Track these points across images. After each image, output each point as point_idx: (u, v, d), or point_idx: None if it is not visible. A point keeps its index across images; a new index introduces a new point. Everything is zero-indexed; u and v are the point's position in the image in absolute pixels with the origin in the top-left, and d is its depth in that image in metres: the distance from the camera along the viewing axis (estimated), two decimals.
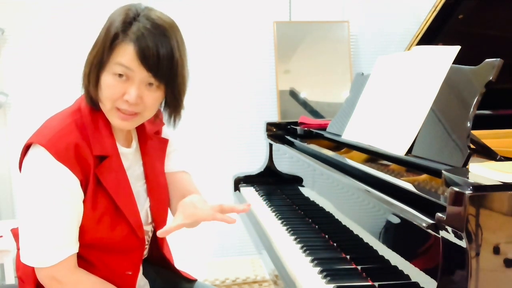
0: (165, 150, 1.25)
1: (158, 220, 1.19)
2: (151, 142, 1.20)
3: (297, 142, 1.79)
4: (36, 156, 1.00)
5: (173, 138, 1.30)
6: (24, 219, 1.02)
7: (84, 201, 1.03)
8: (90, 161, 1.02)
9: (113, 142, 1.08)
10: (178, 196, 1.21)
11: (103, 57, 1.00)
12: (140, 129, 1.19)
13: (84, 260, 1.08)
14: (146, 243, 1.20)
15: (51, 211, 1.00)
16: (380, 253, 1.03)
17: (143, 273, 1.25)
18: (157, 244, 1.25)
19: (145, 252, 1.25)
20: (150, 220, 1.19)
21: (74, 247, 1.05)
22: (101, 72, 1.01)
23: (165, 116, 1.14)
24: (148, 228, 1.19)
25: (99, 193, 1.04)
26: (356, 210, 1.18)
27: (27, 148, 1.03)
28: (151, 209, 1.18)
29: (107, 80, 1.00)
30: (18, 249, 1.11)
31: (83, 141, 1.02)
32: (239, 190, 2.02)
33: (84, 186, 1.02)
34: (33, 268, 1.07)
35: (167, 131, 1.28)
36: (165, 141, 1.26)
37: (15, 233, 1.15)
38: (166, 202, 1.23)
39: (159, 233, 1.03)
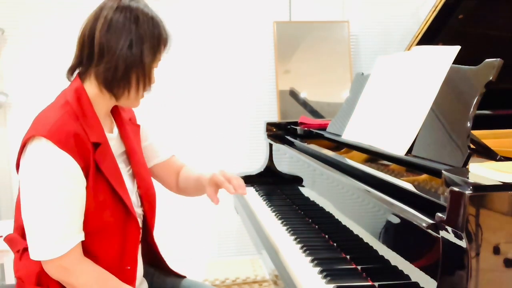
0: (139, 136, 1.30)
1: (147, 202, 1.23)
2: (128, 127, 1.24)
3: (297, 142, 1.79)
4: (39, 147, 1.02)
5: (148, 130, 1.33)
6: (31, 214, 1.03)
7: (86, 188, 1.06)
8: (89, 148, 1.06)
9: (102, 129, 1.12)
10: (174, 175, 1.39)
11: (157, 55, 1.12)
12: (117, 115, 1.23)
13: (86, 252, 1.09)
14: (140, 226, 1.22)
15: (58, 200, 1.02)
16: (380, 253, 1.03)
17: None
18: (146, 231, 1.27)
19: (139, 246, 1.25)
20: (139, 203, 1.22)
21: (81, 234, 1.07)
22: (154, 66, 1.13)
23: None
24: (139, 210, 1.21)
25: (99, 178, 1.07)
26: (356, 210, 1.18)
27: (24, 145, 1.05)
28: (140, 192, 1.22)
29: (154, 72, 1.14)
30: (15, 252, 1.14)
31: (81, 129, 1.06)
32: None
33: (86, 172, 1.05)
34: (35, 268, 1.08)
35: (144, 125, 1.32)
36: (138, 127, 1.30)
37: (9, 239, 1.17)
38: (151, 184, 1.27)
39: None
